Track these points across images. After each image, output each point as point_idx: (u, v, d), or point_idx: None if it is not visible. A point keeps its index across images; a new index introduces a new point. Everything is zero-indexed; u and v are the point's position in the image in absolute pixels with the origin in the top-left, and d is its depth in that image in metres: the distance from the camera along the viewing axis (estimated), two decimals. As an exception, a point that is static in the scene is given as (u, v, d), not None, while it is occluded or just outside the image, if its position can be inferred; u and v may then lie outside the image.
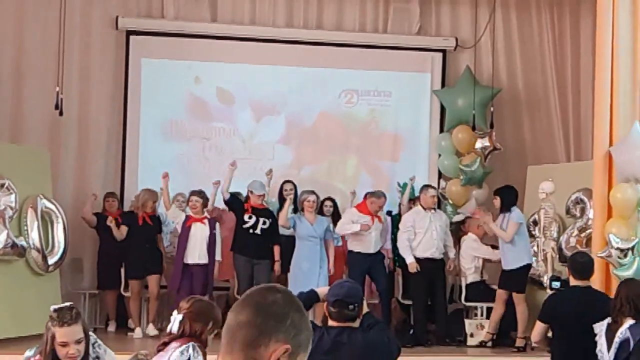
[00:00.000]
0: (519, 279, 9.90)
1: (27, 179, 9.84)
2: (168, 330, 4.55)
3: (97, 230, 11.02)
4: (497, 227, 9.96)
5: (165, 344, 4.42)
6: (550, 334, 6.67)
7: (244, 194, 10.88)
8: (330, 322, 4.73)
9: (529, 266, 9.98)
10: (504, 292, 9.97)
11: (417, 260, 10.21)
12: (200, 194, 10.50)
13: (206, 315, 4.57)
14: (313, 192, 10.65)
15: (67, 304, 4.53)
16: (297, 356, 2.20)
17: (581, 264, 6.61)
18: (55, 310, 4.35)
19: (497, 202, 10.11)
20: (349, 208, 10.86)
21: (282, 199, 10.89)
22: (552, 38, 12.45)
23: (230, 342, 2.18)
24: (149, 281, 10.48)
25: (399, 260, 10.81)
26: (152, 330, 10.33)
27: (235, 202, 10.58)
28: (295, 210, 10.97)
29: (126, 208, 11.40)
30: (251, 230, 10.36)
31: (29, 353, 4.81)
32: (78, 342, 4.30)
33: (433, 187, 10.85)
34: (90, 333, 4.56)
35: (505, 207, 10.02)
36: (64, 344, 4.27)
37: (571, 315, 6.43)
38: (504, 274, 10.03)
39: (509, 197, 10.09)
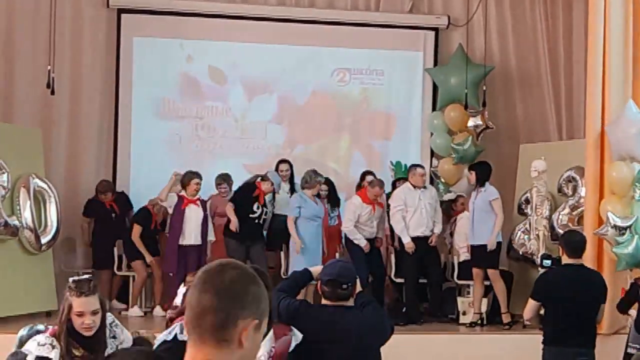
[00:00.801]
0: (491, 255, 9.93)
1: (19, 158, 9.81)
2: (174, 304, 4.57)
3: (89, 214, 11.04)
4: (499, 223, 9.96)
5: (172, 320, 4.42)
6: (542, 312, 6.71)
7: (236, 174, 10.91)
8: (324, 301, 4.76)
9: (500, 244, 10.05)
10: (479, 270, 10.02)
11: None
12: (200, 176, 10.53)
13: None
14: (319, 174, 10.65)
15: (86, 276, 4.57)
16: (262, 323, 2.29)
17: (575, 242, 6.63)
18: (74, 281, 4.37)
19: (472, 177, 10.18)
20: (354, 197, 10.73)
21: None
22: (544, 16, 12.43)
23: (199, 329, 2.24)
24: (153, 264, 10.56)
25: (392, 237, 10.86)
26: (136, 311, 10.44)
27: (244, 194, 10.57)
28: (292, 190, 10.99)
29: (119, 188, 11.43)
30: (256, 220, 10.44)
31: (22, 332, 4.82)
32: (94, 313, 4.32)
33: (421, 166, 10.85)
34: (108, 313, 4.55)
35: (480, 183, 10.09)
36: (80, 314, 4.30)
37: (564, 293, 6.46)
38: (474, 250, 10.08)
39: (483, 173, 10.15)
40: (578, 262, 6.60)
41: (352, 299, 4.75)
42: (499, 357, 9.27)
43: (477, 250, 10.03)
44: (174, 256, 10.20)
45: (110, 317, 4.58)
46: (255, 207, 10.44)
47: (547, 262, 6.95)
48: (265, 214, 10.56)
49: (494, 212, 9.97)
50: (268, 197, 10.66)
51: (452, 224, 11.15)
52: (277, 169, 11.11)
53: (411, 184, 10.52)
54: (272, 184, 10.57)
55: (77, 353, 4.34)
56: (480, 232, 9.99)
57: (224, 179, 11.11)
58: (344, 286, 4.68)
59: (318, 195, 10.65)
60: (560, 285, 6.53)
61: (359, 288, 4.86)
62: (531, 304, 6.68)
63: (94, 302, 4.35)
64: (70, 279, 4.45)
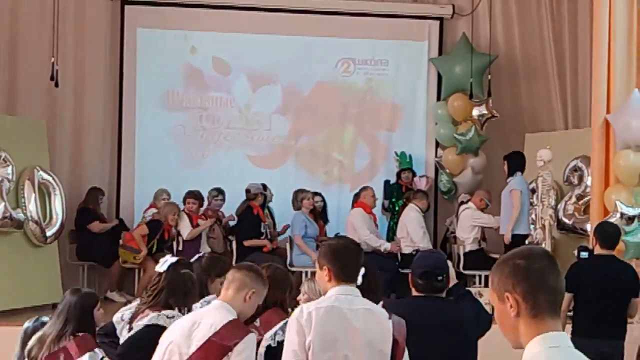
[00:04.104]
0: (508, 248, 9.87)
1: (23, 151, 9.80)
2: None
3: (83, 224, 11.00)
4: (514, 215, 9.87)
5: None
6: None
7: (240, 165, 10.91)
8: (415, 293, 4.60)
9: (524, 236, 9.95)
10: None
11: None
12: (197, 196, 10.73)
13: (284, 281, 4.77)
14: (313, 192, 10.93)
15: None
16: None
17: (609, 234, 6.62)
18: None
19: (505, 167, 10.12)
20: (355, 210, 10.79)
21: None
22: (549, 4, 12.37)
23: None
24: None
25: None
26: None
27: (247, 223, 10.67)
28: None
29: (124, 179, 11.45)
30: (262, 238, 10.61)
31: (28, 324, 4.83)
32: None
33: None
34: (97, 350, 4.64)
35: (511, 172, 10.01)
36: (100, 307, 4.80)
37: (593, 283, 6.42)
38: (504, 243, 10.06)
39: (514, 162, 10.09)
40: (609, 253, 6.56)
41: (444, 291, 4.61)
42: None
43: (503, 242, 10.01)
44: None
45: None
46: (262, 228, 10.60)
47: (585, 254, 6.89)
48: (270, 227, 10.78)
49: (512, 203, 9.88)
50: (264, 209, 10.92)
51: (456, 215, 11.14)
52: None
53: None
54: (261, 194, 10.67)
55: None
56: (503, 223, 9.96)
57: (219, 191, 11.11)
58: (440, 278, 4.53)
59: (313, 210, 10.80)
60: (589, 275, 6.50)
61: (454, 279, 4.75)
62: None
63: None
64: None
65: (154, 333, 4.27)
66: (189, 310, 4.55)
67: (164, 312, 4.52)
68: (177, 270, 4.69)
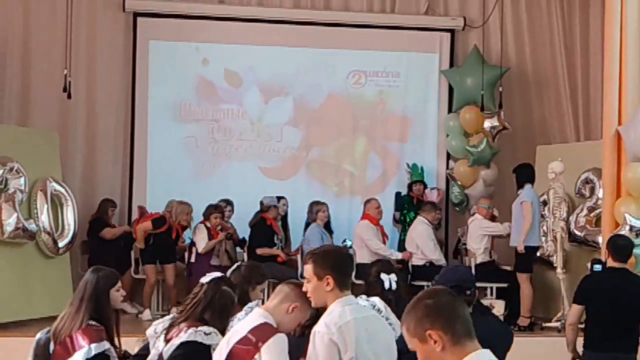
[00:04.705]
0: (521, 259, 9.87)
1: (36, 162, 9.85)
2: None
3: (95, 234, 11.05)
4: (526, 226, 9.81)
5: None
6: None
7: (252, 176, 10.93)
8: None
9: (535, 248, 9.94)
10: (519, 273, 9.94)
11: None
12: (221, 210, 10.80)
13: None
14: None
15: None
16: None
17: (622, 247, 6.60)
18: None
19: (515, 178, 10.14)
20: (362, 222, 10.88)
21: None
22: (560, 17, 12.38)
23: None
24: (166, 270, 10.53)
25: None
26: (147, 315, 10.37)
27: (260, 234, 10.69)
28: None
29: (136, 191, 11.48)
30: (274, 248, 10.63)
31: (40, 335, 4.84)
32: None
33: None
34: (104, 343, 4.69)
35: (519, 185, 10.00)
36: (119, 288, 4.95)
37: (604, 296, 6.40)
38: (515, 253, 10.04)
39: (522, 174, 10.07)
40: (622, 266, 6.55)
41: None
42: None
43: (514, 254, 10.00)
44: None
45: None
46: (275, 239, 10.61)
47: (598, 267, 6.86)
48: (282, 240, 10.83)
49: (523, 215, 9.83)
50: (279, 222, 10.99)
51: (466, 226, 11.13)
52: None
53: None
54: (274, 207, 10.71)
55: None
56: (514, 235, 9.95)
57: (228, 202, 11.15)
58: (468, 292, 4.44)
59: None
60: (601, 288, 6.48)
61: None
62: (574, 307, 6.61)
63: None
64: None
65: (193, 349, 4.35)
66: (223, 329, 4.52)
67: (201, 328, 4.46)
68: (219, 285, 4.67)
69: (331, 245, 5.41)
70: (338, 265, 4.01)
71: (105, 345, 4.63)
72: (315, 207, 10.84)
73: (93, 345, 4.58)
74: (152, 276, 10.56)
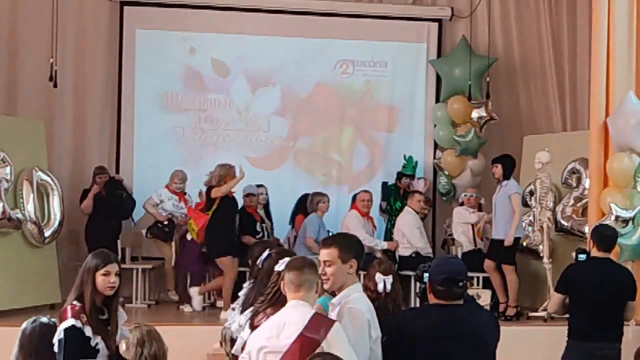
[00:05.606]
0: (507, 251, 9.83)
1: (22, 151, 9.81)
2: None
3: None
4: (516, 218, 9.75)
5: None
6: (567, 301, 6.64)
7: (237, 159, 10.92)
8: (433, 300, 4.43)
9: (518, 239, 9.92)
10: (490, 262, 9.93)
11: None
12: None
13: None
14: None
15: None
16: None
17: (606, 236, 6.63)
18: (100, 251, 4.97)
19: (498, 170, 9.98)
20: (350, 213, 10.84)
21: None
22: (548, 7, 12.38)
23: None
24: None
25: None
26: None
27: (240, 218, 10.58)
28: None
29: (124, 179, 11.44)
30: (258, 237, 10.52)
31: (26, 325, 4.82)
32: (117, 274, 4.83)
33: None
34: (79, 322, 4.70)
35: (506, 176, 9.93)
36: (107, 274, 4.79)
37: (587, 286, 6.42)
38: (492, 243, 10.02)
39: (508, 166, 10.02)
40: (606, 256, 6.56)
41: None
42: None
43: (495, 244, 9.89)
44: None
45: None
46: (257, 228, 10.59)
47: (582, 257, 6.88)
48: (267, 228, 10.76)
49: (512, 206, 9.76)
50: (261, 211, 10.93)
51: (450, 216, 11.17)
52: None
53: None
54: (253, 194, 10.66)
55: (101, 317, 4.78)
56: (499, 227, 9.83)
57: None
58: (460, 284, 4.37)
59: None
60: (584, 277, 6.50)
61: None
62: (555, 296, 6.63)
63: (116, 267, 4.87)
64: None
65: None
66: None
67: None
68: None
69: (341, 233, 5.62)
70: (360, 250, 4.47)
71: (73, 321, 4.63)
72: (316, 198, 10.79)
73: (62, 324, 4.64)
74: (232, 269, 9.86)
